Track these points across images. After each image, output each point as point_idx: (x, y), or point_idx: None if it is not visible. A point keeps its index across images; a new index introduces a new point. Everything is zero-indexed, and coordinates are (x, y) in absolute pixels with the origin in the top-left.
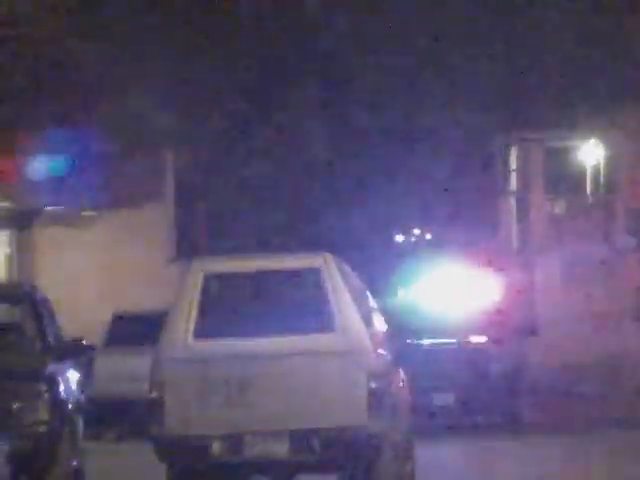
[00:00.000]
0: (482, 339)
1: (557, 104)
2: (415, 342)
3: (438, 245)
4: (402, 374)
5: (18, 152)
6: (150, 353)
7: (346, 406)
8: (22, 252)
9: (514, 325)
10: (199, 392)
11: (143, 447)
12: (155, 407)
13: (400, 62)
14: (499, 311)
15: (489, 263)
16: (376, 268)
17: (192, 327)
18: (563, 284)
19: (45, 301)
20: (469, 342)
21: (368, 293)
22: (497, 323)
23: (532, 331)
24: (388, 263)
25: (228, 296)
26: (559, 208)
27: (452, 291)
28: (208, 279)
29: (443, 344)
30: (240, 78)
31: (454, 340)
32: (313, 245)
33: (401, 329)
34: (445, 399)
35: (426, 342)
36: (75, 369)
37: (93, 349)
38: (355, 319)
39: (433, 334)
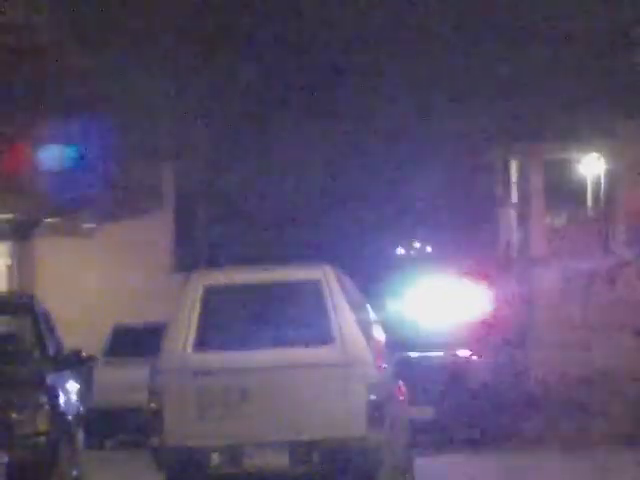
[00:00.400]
0: (468, 352)
1: (557, 116)
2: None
3: (427, 257)
4: (401, 386)
5: (18, 163)
6: (150, 364)
7: (345, 418)
8: (22, 263)
9: (503, 338)
10: (198, 403)
11: (143, 457)
12: (154, 418)
13: (400, 73)
14: (488, 324)
15: (480, 275)
16: (369, 280)
17: (191, 339)
18: (562, 296)
19: (45, 312)
20: (455, 355)
21: (368, 305)
22: (486, 336)
23: (521, 344)
24: (379, 275)
25: (227, 308)
26: (559, 220)
27: (440, 303)
28: (208, 291)
29: (430, 357)
30: (240, 89)
31: (441, 353)
32: (312, 256)
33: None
34: (424, 413)
35: (412, 355)
36: (75, 380)
37: (93, 360)
38: (355, 331)
39: (420, 347)
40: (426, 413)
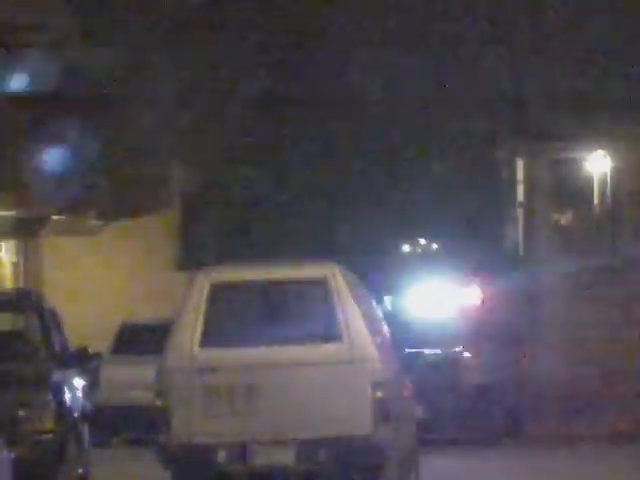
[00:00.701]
0: (463, 350)
1: (563, 115)
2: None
3: (431, 255)
4: (407, 383)
5: (24, 162)
6: (156, 362)
7: (351, 415)
8: (29, 261)
9: (502, 336)
10: (205, 401)
11: (149, 454)
12: (161, 415)
13: (405, 72)
14: (487, 322)
15: (478, 275)
16: (372, 277)
17: (198, 336)
18: (568, 294)
19: (51, 310)
20: (451, 353)
21: (374, 302)
22: (483, 334)
23: (524, 342)
24: (383, 272)
25: (234, 305)
26: (566, 219)
27: (436, 301)
28: (214, 288)
29: (425, 355)
30: (245, 89)
31: (437, 351)
32: (318, 254)
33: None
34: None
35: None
36: (81, 377)
37: (99, 357)
38: (361, 329)
39: (415, 344)
40: (416, 412)
